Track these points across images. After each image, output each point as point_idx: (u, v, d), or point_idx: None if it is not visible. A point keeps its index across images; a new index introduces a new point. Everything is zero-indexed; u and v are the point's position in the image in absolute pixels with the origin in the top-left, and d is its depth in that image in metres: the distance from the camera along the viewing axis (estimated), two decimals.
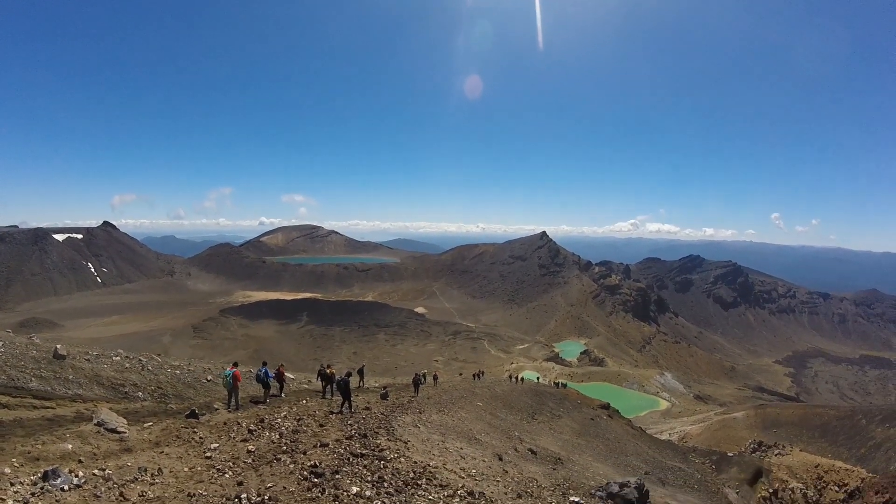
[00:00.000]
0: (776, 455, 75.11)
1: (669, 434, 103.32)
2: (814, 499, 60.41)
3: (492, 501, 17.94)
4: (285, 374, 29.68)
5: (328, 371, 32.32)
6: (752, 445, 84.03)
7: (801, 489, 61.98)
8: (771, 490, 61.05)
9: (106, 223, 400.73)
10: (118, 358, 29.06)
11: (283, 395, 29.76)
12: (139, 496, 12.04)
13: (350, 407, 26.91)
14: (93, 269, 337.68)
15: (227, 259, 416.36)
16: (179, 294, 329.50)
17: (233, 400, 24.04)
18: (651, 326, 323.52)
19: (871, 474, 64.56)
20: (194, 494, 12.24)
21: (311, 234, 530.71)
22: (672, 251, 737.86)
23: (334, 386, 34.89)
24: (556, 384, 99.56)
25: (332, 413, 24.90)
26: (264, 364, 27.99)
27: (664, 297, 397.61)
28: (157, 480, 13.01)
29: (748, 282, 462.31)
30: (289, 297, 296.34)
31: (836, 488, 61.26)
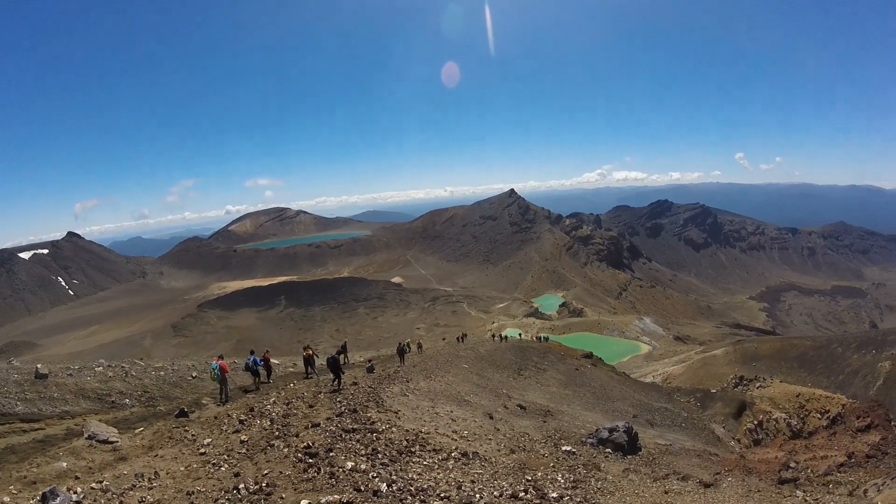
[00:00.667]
0: (758, 388, 76.89)
1: (653, 376, 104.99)
2: (797, 427, 62.16)
3: (486, 460, 18.31)
4: (271, 359, 29.80)
5: (305, 353, 32.58)
6: (733, 380, 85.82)
7: (784, 419, 63.70)
8: (756, 422, 62.63)
9: (70, 234, 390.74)
10: (100, 368, 28.81)
11: (271, 381, 29.89)
12: (139, 502, 12.10)
13: (339, 383, 27.20)
14: (63, 283, 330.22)
15: (198, 253, 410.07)
16: (154, 295, 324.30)
17: (223, 392, 24.10)
18: (626, 273, 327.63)
19: (850, 400, 66.44)
20: (193, 492, 12.35)
21: (280, 217, 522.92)
22: (640, 198, 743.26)
23: (317, 365, 35.29)
24: (539, 338, 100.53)
25: (320, 393, 25.06)
26: (252, 353, 28.13)
27: (636, 243, 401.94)
28: (154, 484, 13.08)
29: (717, 222, 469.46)
30: (265, 282, 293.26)
31: (819, 415, 63.06)
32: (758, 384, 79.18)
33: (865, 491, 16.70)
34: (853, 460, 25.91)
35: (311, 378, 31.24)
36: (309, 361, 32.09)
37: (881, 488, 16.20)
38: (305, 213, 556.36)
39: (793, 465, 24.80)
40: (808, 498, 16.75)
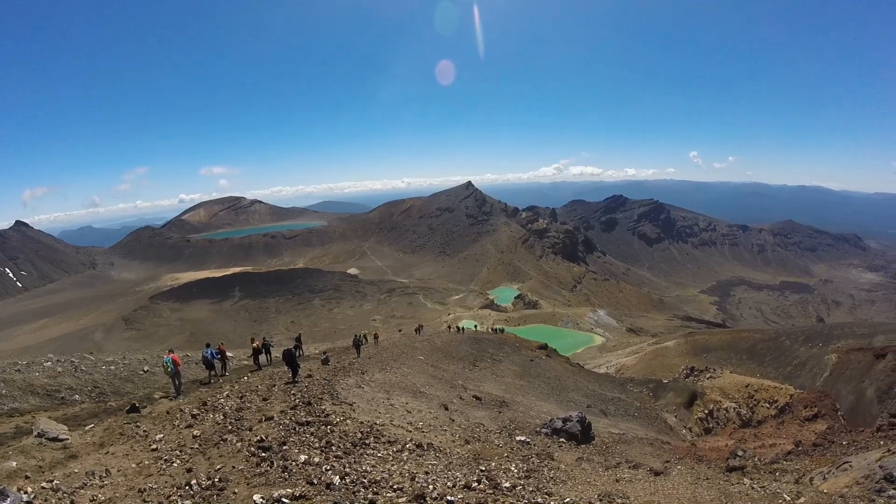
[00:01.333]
0: (708, 378, 78.90)
1: (606, 367, 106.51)
2: (747, 416, 64.00)
3: (440, 451, 18.46)
4: (226, 352, 29.52)
5: (253, 344, 32.43)
6: (685, 371, 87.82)
7: (734, 408, 65.52)
8: (706, 411, 64.29)
9: (19, 223, 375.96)
10: (49, 363, 28.01)
11: (226, 373, 29.59)
12: (90, 501, 11.94)
13: (295, 376, 27.15)
14: (11, 275, 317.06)
15: (150, 243, 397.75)
16: (105, 286, 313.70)
17: (177, 386, 23.79)
18: (580, 266, 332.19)
19: (798, 390, 68.60)
20: (145, 489, 12.19)
21: (234, 206, 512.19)
22: (596, 192, 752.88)
23: (268, 356, 35.16)
24: (494, 330, 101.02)
25: (274, 386, 24.93)
26: (207, 345, 27.82)
27: (591, 237, 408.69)
28: (106, 482, 12.88)
29: (671, 218, 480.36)
30: (218, 273, 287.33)
31: (767, 405, 65.00)
32: (708, 375, 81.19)
33: (811, 479, 17.30)
34: (800, 448, 26.87)
35: (263, 369, 31.12)
36: (258, 353, 31.97)
37: (826, 476, 16.83)
38: (261, 202, 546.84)
39: (740, 453, 25.42)
40: (755, 485, 17.09)
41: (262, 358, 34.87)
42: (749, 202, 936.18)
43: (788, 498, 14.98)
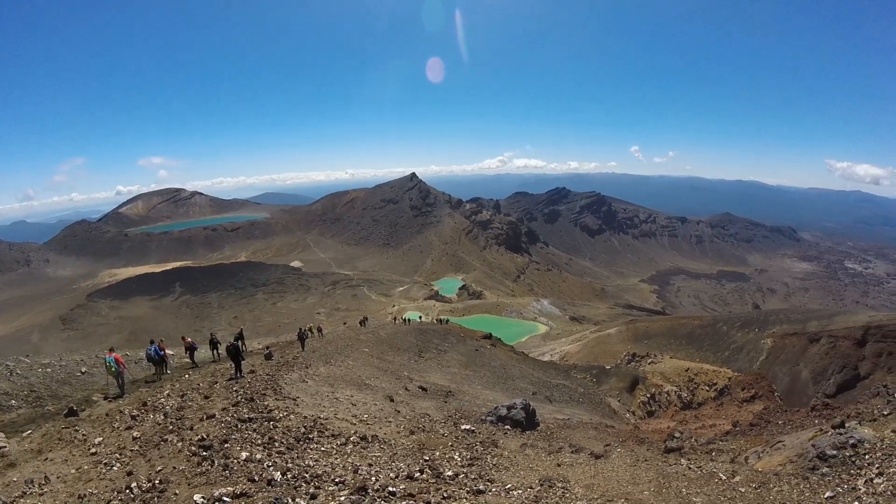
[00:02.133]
0: (649, 363, 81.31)
1: (551, 355, 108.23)
2: (688, 399, 66.28)
3: (385, 442, 18.65)
4: (166, 350, 29.05)
5: (185, 342, 32.03)
6: (627, 357, 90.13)
7: (675, 391, 67.71)
8: (649, 395, 66.27)
9: None
10: None
11: (168, 371, 29.11)
12: None
13: (240, 372, 26.96)
14: None
15: (86, 237, 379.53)
16: (40, 284, 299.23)
17: (120, 386, 23.35)
18: (524, 257, 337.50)
19: (736, 373, 71.45)
20: (85, 495, 11.98)
21: (174, 198, 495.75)
22: (539, 185, 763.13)
23: (216, 352, 34.77)
24: (439, 321, 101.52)
25: (216, 383, 24.68)
26: (152, 342, 27.37)
27: (534, 228, 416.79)
28: (45, 490, 12.61)
29: (612, 210, 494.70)
30: (158, 268, 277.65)
31: (707, 388, 67.42)
32: (650, 360, 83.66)
33: (746, 458, 18.06)
34: (738, 428, 27.96)
35: (205, 366, 30.79)
36: (190, 350, 31.64)
37: (761, 455, 17.60)
38: (201, 194, 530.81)
39: (677, 434, 26.15)
40: (692, 465, 17.56)
41: (207, 354, 34.59)
42: (688, 195, 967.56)
43: (724, 477, 15.47)
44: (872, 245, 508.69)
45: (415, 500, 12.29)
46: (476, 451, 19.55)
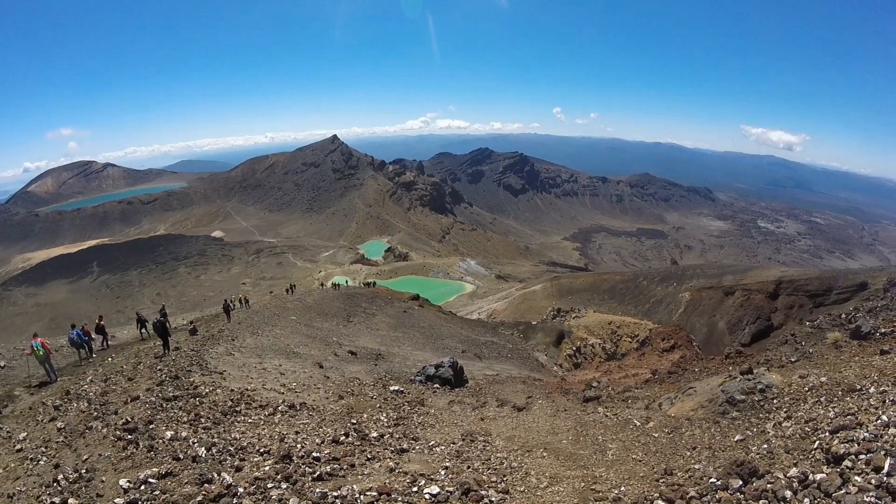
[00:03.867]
0: (574, 318, 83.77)
1: (478, 313, 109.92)
2: (611, 350, 68.98)
3: (313, 409, 19.11)
4: (91, 332, 28.33)
5: (98, 322, 31.28)
6: (552, 313, 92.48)
7: (599, 343, 70.32)
8: (574, 348, 68.51)
9: None
10: None
11: (94, 355, 28.15)
12: None
13: (169, 348, 26.83)
14: None
15: None
16: None
17: (49, 372, 22.87)
18: (448, 217, 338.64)
19: (656, 325, 74.45)
20: (13, 494, 11.79)
21: (85, 172, 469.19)
22: (463, 145, 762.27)
23: (145, 330, 34.23)
24: (366, 284, 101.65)
25: (140, 363, 24.33)
26: (73, 326, 26.62)
27: (458, 188, 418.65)
28: None
29: (535, 170, 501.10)
30: (73, 248, 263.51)
31: (629, 339, 70.31)
32: (574, 315, 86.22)
33: (660, 404, 19.05)
34: (657, 377, 29.37)
35: (128, 347, 30.31)
36: (101, 331, 31.08)
37: (674, 401, 18.65)
38: (113, 165, 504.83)
39: (595, 384, 27.12)
40: (608, 413, 18.61)
41: (134, 333, 34.24)
42: (608, 156, 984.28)
43: (638, 423, 16.46)
44: (784, 206, 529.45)
45: (339, 464, 12.81)
46: (403, 410, 20.25)
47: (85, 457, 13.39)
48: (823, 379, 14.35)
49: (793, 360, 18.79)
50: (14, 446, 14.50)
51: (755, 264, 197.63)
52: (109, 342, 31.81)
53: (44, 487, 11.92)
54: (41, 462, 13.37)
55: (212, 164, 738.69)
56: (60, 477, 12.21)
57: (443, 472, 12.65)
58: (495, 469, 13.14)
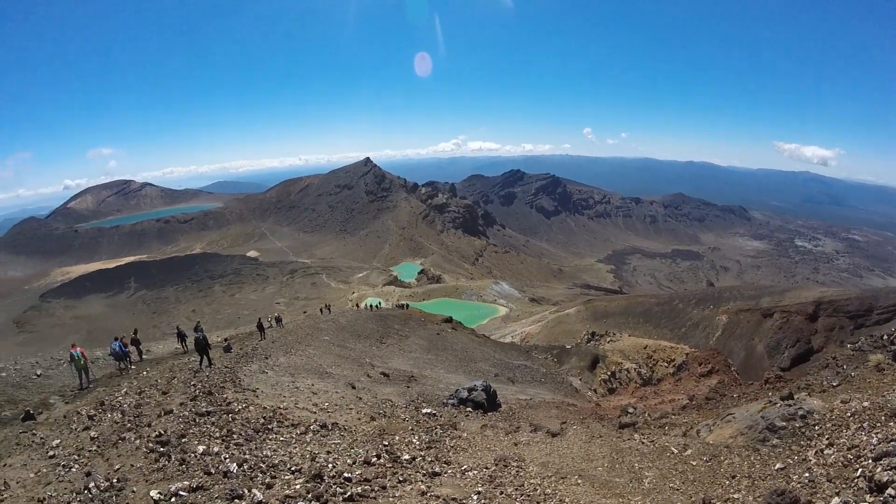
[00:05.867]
0: (609, 342, 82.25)
1: (511, 336, 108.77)
2: (647, 375, 67.50)
3: (345, 429, 18.83)
4: (128, 344, 28.99)
5: (133, 335, 31.80)
6: (586, 336, 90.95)
7: (635, 368, 68.83)
8: (609, 372, 67.15)
9: None
10: None
11: (132, 366, 28.72)
12: None
13: (210, 362, 27.52)
14: None
15: (36, 235, 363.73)
16: None
17: (86, 380, 23.33)
18: (481, 240, 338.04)
19: (693, 349, 72.85)
20: (44, 499, 11.89)
21: (124, 191, 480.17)
22: (494, 167, 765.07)
23: (184, 345, 34.75)
24: (399, 306, 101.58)
25: (174, 378, 24.49)
26: (116, 339, 27.25)
27: (490, 211, 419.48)
28: (5, 496, 12.46)
29: (567, 191, 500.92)
30: (111, 264, 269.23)
31: (665, 364, 68.74)
32: (609, 339, 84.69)
33: (698, 431, 18.42)
34: (694, 402, 28.57)
35: (162, 363, 30.66)
36: (136, 343, 31.49)
37: (712, 428, 18.03)
38: (151, 185, 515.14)
39: (631, 410, 26.57)
40: (644, 440, 17.93)
41: (180, 346, 34.86)
42: (640, 176, 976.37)
43: (676, 451, 15.85)
44: (821, 224, 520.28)
45: (370, 485, 12.57)
46: (435, 434, 19.77)
47: (117, 466, 13.47)
48: (866, 403, 13.71)
49: (834, 384, 18.11)
50: (47, 452, 14.65)
51: (793, 285, 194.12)
52: (144, 355, 32.27)
53: (74, 494, 11.99)
54: (73, 469, 13.49)
55: (247, 185, 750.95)
56: (91, 485, 12.23)
57: (475, 497, 12.38)
58: (529, 495, 12.81)
